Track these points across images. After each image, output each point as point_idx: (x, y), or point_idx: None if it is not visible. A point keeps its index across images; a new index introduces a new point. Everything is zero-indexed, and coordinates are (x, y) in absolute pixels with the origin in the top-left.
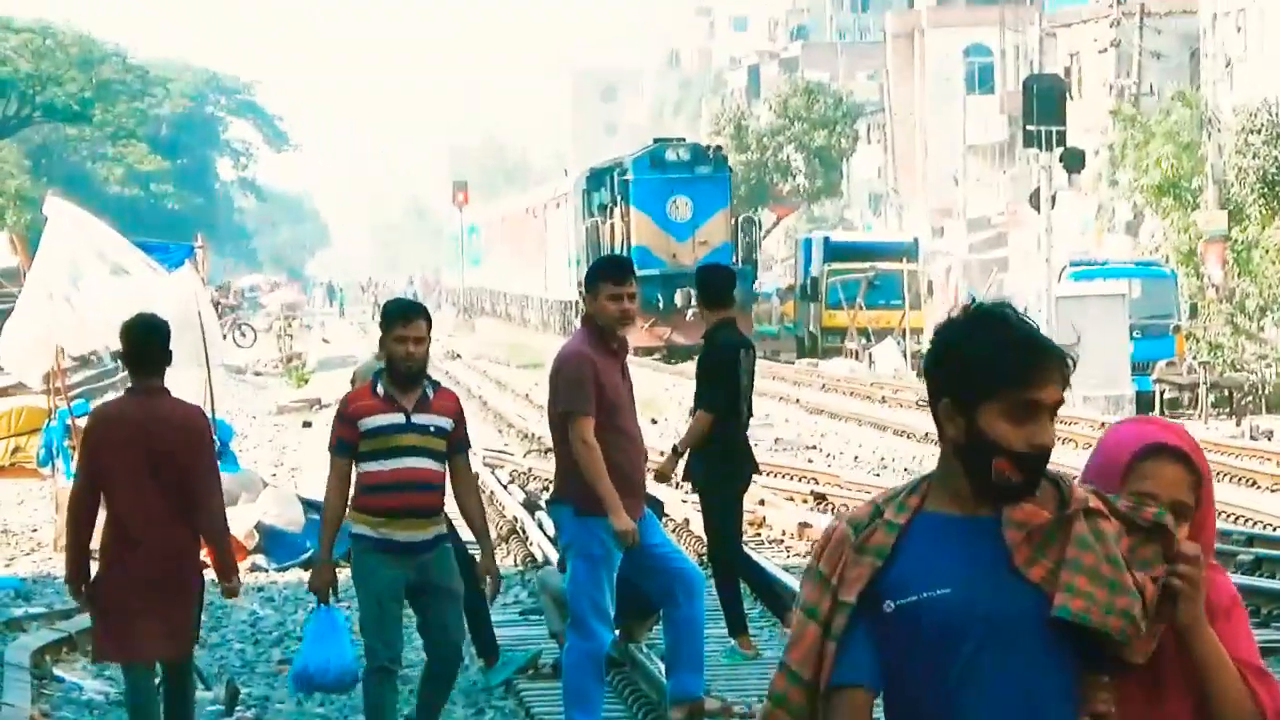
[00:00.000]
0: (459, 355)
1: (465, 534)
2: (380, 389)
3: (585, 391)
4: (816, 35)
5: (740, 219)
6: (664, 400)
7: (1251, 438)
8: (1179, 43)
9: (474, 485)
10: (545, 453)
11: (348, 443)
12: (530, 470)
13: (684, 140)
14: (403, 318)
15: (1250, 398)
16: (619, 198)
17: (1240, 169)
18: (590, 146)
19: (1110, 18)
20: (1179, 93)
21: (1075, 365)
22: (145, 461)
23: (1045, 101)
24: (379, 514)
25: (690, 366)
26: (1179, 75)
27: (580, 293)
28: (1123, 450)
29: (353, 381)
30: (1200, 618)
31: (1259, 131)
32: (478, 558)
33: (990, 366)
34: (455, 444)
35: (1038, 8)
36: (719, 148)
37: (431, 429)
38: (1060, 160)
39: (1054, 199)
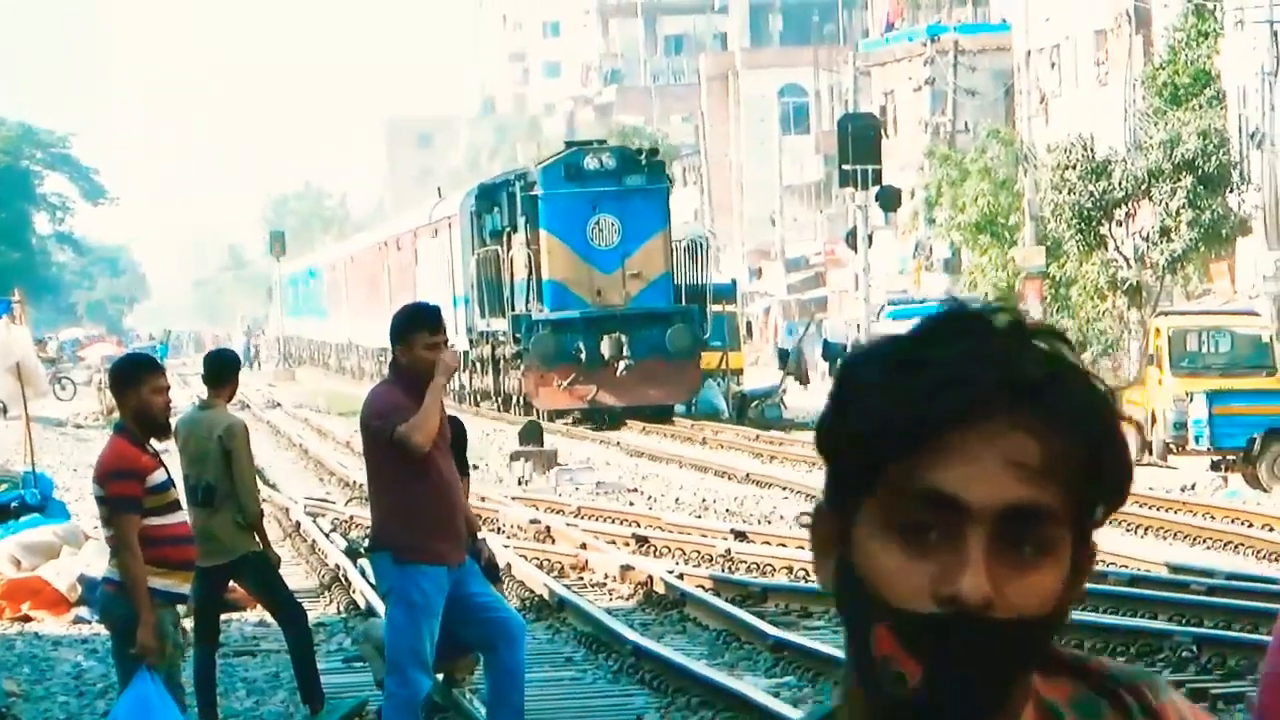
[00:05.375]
0: (279, 404)
1: None
2: (144, 444)
3: (399, 413)
4: (630, 79)
5: (683, 243)
6: (484, 446)
7: None
8: (993, 80)
9: None
10: (365, 500)
11: (139, 500)
12: (351, 518)
13: (606, 143)
14: (156, 369)
15: None
16: (524, 219)
17: (1057, 205)
18: (406, 194)
19: (924, 56)
20: (994, 130)
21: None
22: None
23: (860, 141)
24: (176, 566)
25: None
26: (994, 112)
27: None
28: None
29: (175, 434)
30: None
31: (1074, 167)
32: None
33: (864, 419)
34: None
35: (851, 47)
36: (654, 150)
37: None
38: (877, 199)
39: (871, 238)
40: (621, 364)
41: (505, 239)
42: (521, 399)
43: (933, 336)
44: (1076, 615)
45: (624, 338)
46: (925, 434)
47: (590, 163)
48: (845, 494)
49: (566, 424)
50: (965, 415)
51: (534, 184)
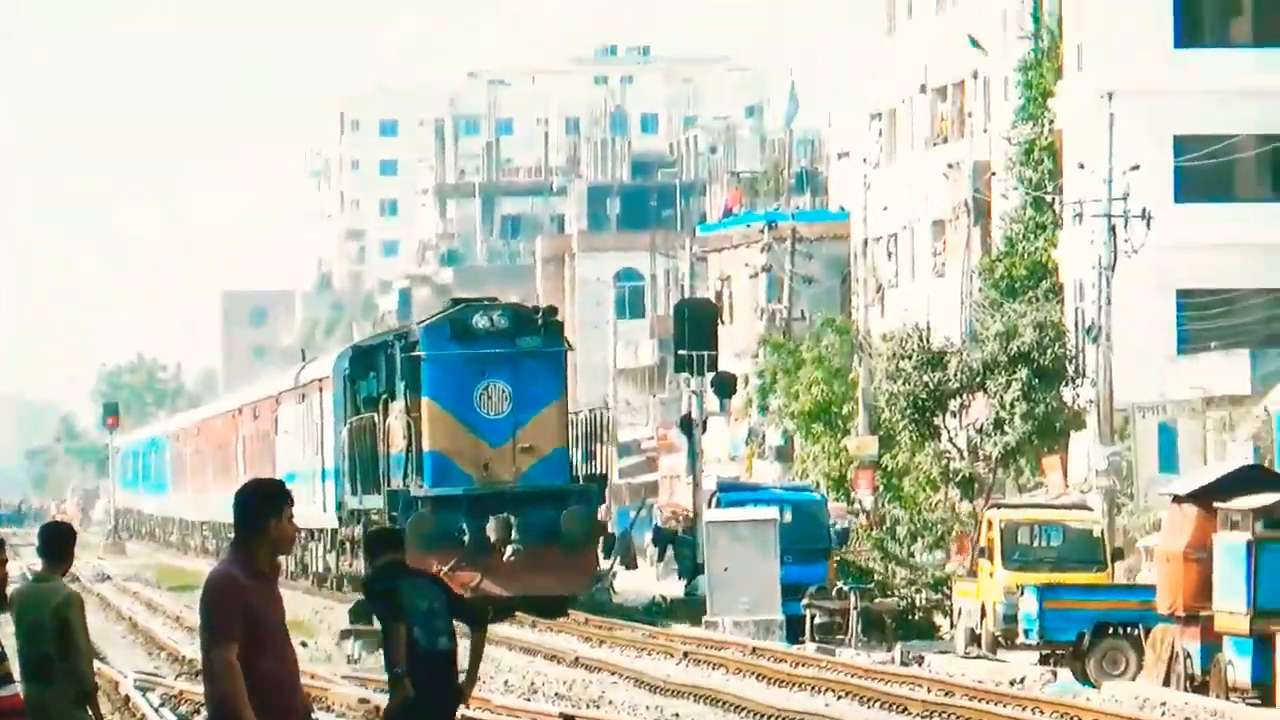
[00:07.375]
0: (109, 577)
1: None
2: None
3: (228, 617)
4: (467, 259)
5: (581, 415)
6: (314, 623)
7: (903, 663)
8: (830, 268)
9: None
10: (196, 674)
11: None
12: (181, 694)
13: (497, 301)
14: None
15: (900, 624)
16: (404, 383)
17: (891, 394)
18: (240, 368)
19: (761, 242)
20: (829, 319)
21: None
22: None
23: (696, 326)
24: None
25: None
26: (830, 300)
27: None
28: None
29: (9, 605)
30: None
31: (910, 357)
32: None
33: None
34: None
35: (689, 232)
36: (552, 309)
37: None
38: (712, 385)
39: (705, 424)
40: (509, 549)
41: (382, 406)
42: None
43: None
44: None
45: (513, 519)
46: None
47: (480, 321)
48: None
49: None
50: None
51: (416, 344)
